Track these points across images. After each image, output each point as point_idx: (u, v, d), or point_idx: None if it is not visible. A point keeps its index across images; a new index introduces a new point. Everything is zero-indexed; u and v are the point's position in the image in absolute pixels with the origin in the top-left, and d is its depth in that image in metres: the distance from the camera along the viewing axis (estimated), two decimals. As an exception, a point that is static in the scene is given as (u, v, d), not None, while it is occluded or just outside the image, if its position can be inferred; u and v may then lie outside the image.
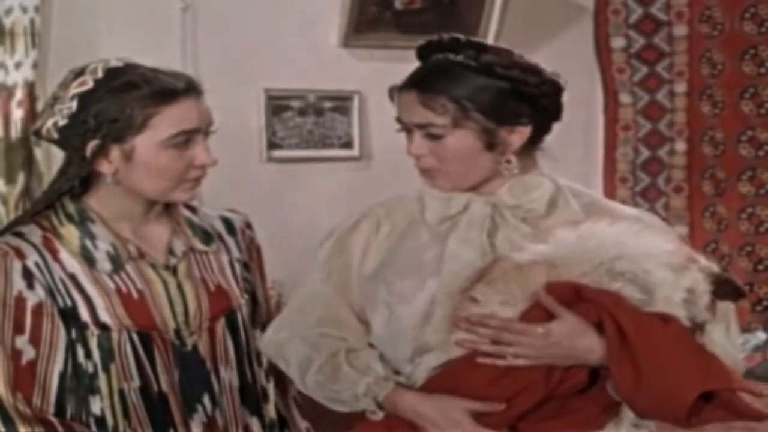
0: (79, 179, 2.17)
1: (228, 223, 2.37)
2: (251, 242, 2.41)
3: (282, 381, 2.40)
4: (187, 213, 2.31)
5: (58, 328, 2.13)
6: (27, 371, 2.10)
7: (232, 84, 3.52)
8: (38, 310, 2.12)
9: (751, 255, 4.10)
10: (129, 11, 3.46)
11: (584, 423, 2.08)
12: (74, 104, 2.14)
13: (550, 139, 2.27)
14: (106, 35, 3.38)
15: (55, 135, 2.17)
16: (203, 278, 2.26)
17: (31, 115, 3.17)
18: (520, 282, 2.07)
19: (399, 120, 2.22)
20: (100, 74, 2.15)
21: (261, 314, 2.40)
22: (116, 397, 2.15)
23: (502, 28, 3.90)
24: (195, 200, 2.29)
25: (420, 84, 2.17)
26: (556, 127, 2.26)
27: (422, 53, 2.24)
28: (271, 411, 2.35)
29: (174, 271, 2.23)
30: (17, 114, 3.24)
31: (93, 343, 2.14)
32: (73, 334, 2.14)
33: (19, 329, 2.11)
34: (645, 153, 4.25)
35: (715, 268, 2.11)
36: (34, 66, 3.26)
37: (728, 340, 2.14)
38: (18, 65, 3.26)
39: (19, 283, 2.12)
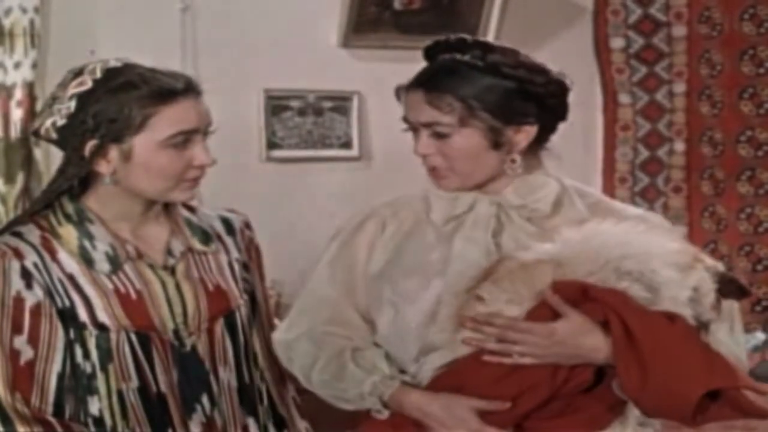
0: (78, 179, 2.17)
1: (227, 223, 2.37)
2: (250, 242, 2.40)
3: (282, 380, 2.40)
4: (186, 213, 2.31)
5: (56, 329, 2.12)
6: (25, 371, 2.10)
7: (232, 84, 3.53)
8: (37, 310, 2.12)
9: (750, 255, 4.10)
10: (129, 11, 3.46)
11: (589, 422, 2.08)
12: (73, 104, 2.13)
13: (552, 139, 2.28)
14: (106, 35, 3.38)
15: (54, 135, 2.17)
16: (202, 279, 2.26)
17: (31, 115, 3.18)
18: (526, 281, 2.08)
19: (405, 119, 2.23)
20: (98, 74, 2.15)
21: (260, 314, 2.40)
22: (114, 398, 2.15)
23: (502, 28, 3.91)
24: (194, 200, 2.29)
25: (427, 83, 2.18)
26: (558, 126, 2.27)
27: (429, 53, 2.25)
28: (264, 412, 2.35)
29: (172, 271, 2.23)
30: (16, 114, 3.25)
31: (91, 344, 2.14)
32: (72, 334, 2.13)
33: (17, 329, 2.10)
34: (644, 153, 4.25)
35: (720, 267, 2.13)
36: (34, 66, 3.27)
37: (732, 339, 2.15)
38: (17, 65, 3.26)
39: (17, 284, 2.11)
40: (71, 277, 2.14)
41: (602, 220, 2.14)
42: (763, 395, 2.06)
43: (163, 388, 2.18)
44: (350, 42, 3.80)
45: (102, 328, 2.14)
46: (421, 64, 2.26)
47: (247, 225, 2.42)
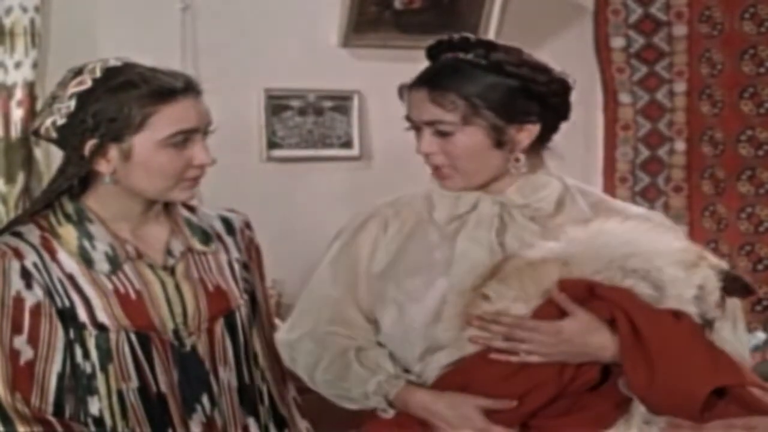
0: (78, 179, 2.17)
1: (227, 223, 2.37)
2: (250, 242, 2.40)
3: (282, 380, 2.40)
4: (185, 213, 2.31)
5: (56, 329, 2.12)
6: (25, 371, 2.10)
7: (232, 84, 3.53)
8: (36, 310, 2.11)
9: (751, 254, 4.11)
10: (129, 11, 3.46)
11: (595, 420, 2.09)
12: (73, 103, 2.13)
13: (554, 139, 2.28)
14: (106, 35, 3.39)
15: (54, 134, 2.17)
16: (202, 279, 2.26)
17: (31, 115, 3.18)
18: (533, 279, 2.08)
19: (408, 118, 2.23)
20: (98, 74, 2.14)
21: (261, 314, 2.40)
22: (114, 398, 2.15)
23: (502, 27, 3.91)
24: (195, 200, 2.29)
25: (430, 82, 2.18)
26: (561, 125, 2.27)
27: (431, 53, 2.26)
28: (265, 412, 2.35)
29: (172, 271, 2.23)
30: (17, 114, 3.25)
31: (91, 344, 2.14)
32: (72, 334, 2.13)
33: (17, 329, 2.10)
34: (645, 152, 4.25)
35: (725, 265, 2.13)
36: (34, 66, 3.27)
37: (735, 337, 2.16)
38: (18, 65, 3.26)
39: (17, 284, 2.11)
40: (71, 277, 2.14)
41: (607, 219, 2.16)
42: None
43: (163, 388, 2.17)
44: (350, 41, 3.80)
45: (102, 328, 2.14)
46: (422, 64, 2.26)
47: (247, 225, 2.41)
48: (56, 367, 2.12)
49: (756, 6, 4.06)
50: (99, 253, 2.16)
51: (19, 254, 2.13)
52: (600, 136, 4.28)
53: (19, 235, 2.16)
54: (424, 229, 2.27)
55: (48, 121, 2.16)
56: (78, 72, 2.16)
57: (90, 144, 2.12)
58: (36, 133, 2.22)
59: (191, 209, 2.33)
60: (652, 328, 2.01)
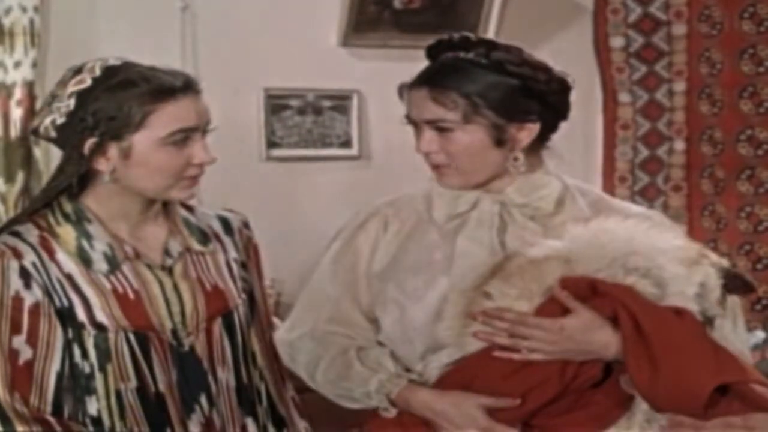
0: (77, 178, 2.17)
1: (225, 223, 2.37)
2: (249, 242, 2.40)
3: (281, 380, 2.40)
4: (184, 213, 2.31)
5: (55, 328, 2.12)
6: (24, 371, 2.09)
7: (232, 83, 3.54)
8: (35, 310, 2.11)
9: (750, 254, 4.11)
10: (129, 11, 3.47)
11: (597, 418, 2.09)
12: (72, 102, 2.13)
13: (553, 138, 2.28)
14: (106, 35, 3.39)
15: (53, 133, 2.16)
16: (200, 279, 2.25)
17: (31, 114, 3.18)
18: (536, 277, 2.09)
19: (408, 117, 2.23)
20: (98, 72, 2.14)
21: (259, 314, 2.40)
22: (113, 398, 2.14)
23: (502, 27, 3.91)
24: (194, 199, 2.29)
25: (431, 81, 2.19)
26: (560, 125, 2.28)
27: (431, 52, 2.26)
28: (263, 412, 2.35)
29: (170, 271, 2.22)
30: (16, 113, 3.25)
31: (89, 344, 2.13)
32: (70, 334, 2.13)
33: (16, 329, 2.10)
34: (644, 152, 4.25)
35: (725, 263, 2.15)
36: (34, 65, 3.27)
37: (736, 335, 2.17)
38: (17, 64, 3.27)
39: (16, 283, 2.11)
40: (69, 277, 2.14)
41: (608, 218, 2.16)
42: None
43: (162, 388, 2.17)
44: (350, 41, 3.80)
45: (100, 328, 2.14)
46: (422, 63, 2.26)
47: (245, 224, 2.41)
48: (55, 366, 2.12)
49: (755, 5, 4.06)
50: (97, 253, 2.16)
51: (17, 254, 2.12)
52: (599, 135, 4.28)
53: (17, 234, 2.16)
54: (424, 228, 2.27)
55: (47, 120, 2.16)
56: (77, 71, 2.16)
57: (89, 142, 2.12)
58: (35, 132, 2.22)
59: (189, 209, 2.33)
60: (654, 325, 2.02)
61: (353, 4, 3.73)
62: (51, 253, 2.14)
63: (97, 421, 2.14)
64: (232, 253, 2.34)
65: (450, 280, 2.19)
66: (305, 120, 3.79)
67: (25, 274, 2.11)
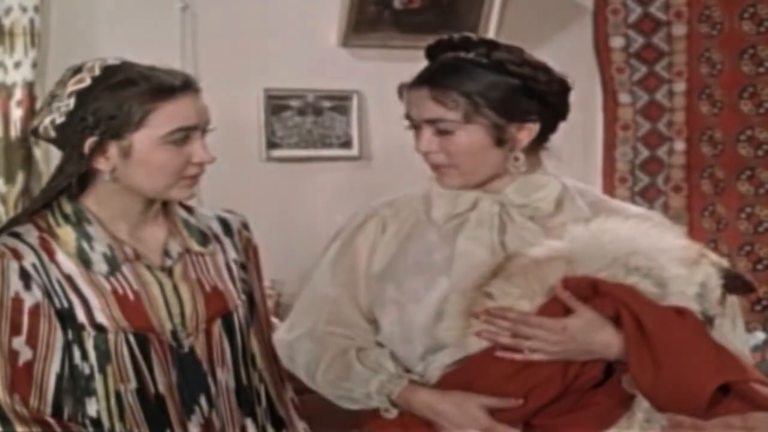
0: (77, 178, 2.17)
1: (225, 224, 2.37)
2: (248, 243, 2.40)
3: (280, 381, 2.40)
4: (183, 214, 2.31)
5: (55, 329, 2.12)
6: (24, 372, 2.09)
7: (232, 84, 3.53)
8: (35, 311, 2.11)
9: (750, 254, 4.11)
10: (129, 11, 3.46)
11: (598, 418, 2.10)
12: (72, 102, 2.13)
13: (552, 139, 2.28)
14: (106, 35, 3.39)
15: (53, 133, 2.16)
16: (199, 280, 2.25)
17: (31, 115, 3.18)
18: (538, 277, 2.10)
19: (408, 117, 2.23)
20: (97, 72, 2.14)
21: (258, 315, 2.40)
22: (113, 399, 2.14)
23: (501, 27, 3.91)
24: (194, 199, 2.29)
25: (431, 80, 2.19)
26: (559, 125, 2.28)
27: (431, 52, 2.26)
28: (262, 413, 2.35)
29: (170, 272, 2.22)
30: (16, 113, 3.25)
31: (89, 345, 2.13)
32: (70, 335, 2.13)
33: (16, 330, 2.10)
34: (644, 152, 4.25)
35: (725, 263, 2.16)
36: (34, 65, 3.27)
37: (735, 334, 2.18)
38: (17, 65, 3.26)
39: (16, 284, 2.11)
40: (69, 278, 2.14)
41: (608, 218, 2.17)
42: None
43: (162, 389, 2.17)
44: (350, 41, 3.80)
45: (100, 329, 2.13)
46: (422, 64, 2.27)
47: (245, 225, 2.41)
48: (55, 368, 2.11)
49: (755, 6, 4.06)
50: (97, 254, 2.16)
51: (17, 255, 2.12)
52: (599, 136, 4.28)
53: (17, 235, 2.16)
54: (422, 229, 2.27)
55: (47, 120, 2.16)
56: (77, 70, 2.16)
57: (90, 142, 2.12)
58: (35, 132, 2.21)
59: (189, 210, 2.33)
60: (657, 325, 2.03)
61: (353, 4, 3.73)
62: (51, 254, 2.14)
63: (96, 423, 2.13)
64: (232, 254, 2.34)
65: (450, 280, 2.19)
66: (305, 120, 3.79)
67: (25, 275, 2.11)
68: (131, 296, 2.16)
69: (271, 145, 3.74)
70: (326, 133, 3.82)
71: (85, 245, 2.16)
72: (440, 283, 2.20)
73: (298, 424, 2.42)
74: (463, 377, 2.12)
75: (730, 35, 4.09)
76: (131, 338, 2.15)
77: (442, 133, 2.18)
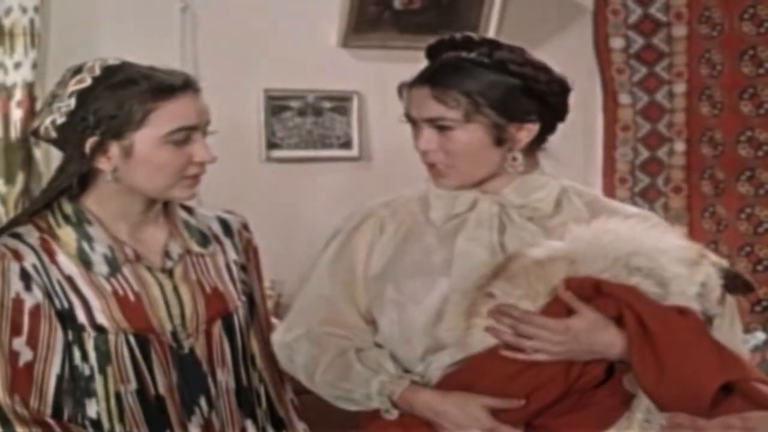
0: (78, 178, 2.17)
1: (225, 225, 2.37)
2: (248, 243, 2.40)
3: (280, 382, 2.40)
4: (183, 214, 2.31)
5: (55, 330, 2.12)
6: (24, 373, 2.09)
7: (232, 84, 3.53)
8: (36, 312, 2.11)
9: (750, 255, 4.11)
10: (129, 11, 3.46)
11: (598, 419, 2.10)
12: (73, 102, 2.14)
13: (551, 140, 2.29)
14: (106, 35, 3.39)
15: (54, 134, 2.16)
16: (199, 281, 2.26)
17: (31, 116, 3.18)
18: (541, 277, 2.10)
19: (408, 116, 2.23)
20: (98, 72, 2.15)
21: (258, 316, 2.40)
22: (112, 401, 2.14)
23: (502, 28, 3.91)
24: (194, 199, 2.29)
25: (432, 79, 2.19)
26: (557, 126, 2.28)
27: (431, 52, 2.26)
28: (262, 414, 2.34)
29: (170, 273, 2.23)
30: (16, 114, 3.25)
31: (90, 346, 2.14)
32: (70, 336, 2.13)
33: (16, 331, 2.10)
34: (644, 153, 4.25)
35: (725, 263, 2.16)
36: (34, 66, 3.27)
37: (733, 334, 2.17)
38: (17, 65, 3.26)
39: (16, 285, 2.11)
40: (70, 279, 2.14)
41: (608, 218, 2.17)
42: None
43: (162, 390, 2.17)
44: (350, 42, 3.80)
45: (100, 330, 2.14)
46: (422, 64, 2.27)
47: (245, 226, 2.41)
48: (55, 368, 2.12)
49: (755, 6, 4.06)
50: (98, 255, 2.16)
51: (18, 256, 2.13)
52: (599, 136, 4.27)
53: (18, 236, 2.16)
54: (420, 230, 2.27)
55: (48, 121, 2.16)
56: (77, 71, 2.16)
57: (91, 141, 2.12)
58: (35, 133, 2.22)
59: (189, 210, 2.34)
60: (659, 325, 2.03)
61: (353, 5, 3.73)
62: (51, 255, 2.14)
63: (96, 424, 2.14)
64: (232, 255, 2.34)
65: (450, 281, 2.19)
66: (305, 121, 3.78)
67: (25, 276, 2.11)
68: (132, 297, 2.16)
69: (271, 145, 3.73)
70: (326, 134, 3.82)
71: (85, 246, 2.16)
72: (440, 283, 2.20)
73: (297, 425, 2.43)
74: (464, 377, 2.12)
75: (730, 36, 4.09)
76: (131, 339, 2.15)
77: (442, 131, 2.18)
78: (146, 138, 2.13)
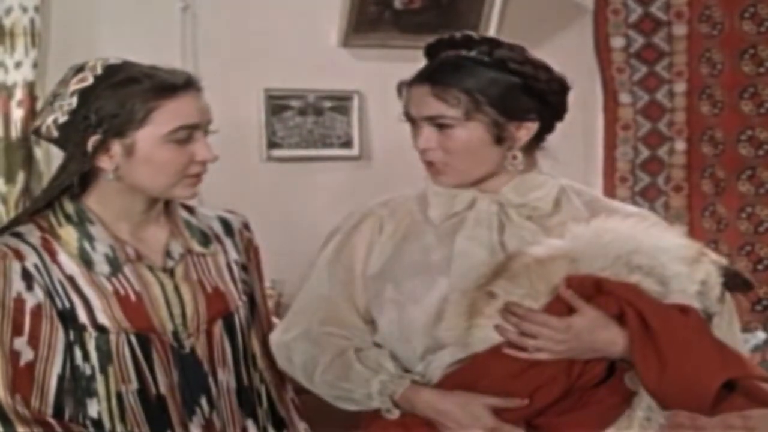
0: (79, 177, 2.17)
1: (226, 224, 2.37)
2: (249, 243, 2.40)
3: (281, 382, 2.40)
4: (184, 214, 2.31)
5: (56, 330, 2.12)
6: (25, 373, 2.09)
7: (232, 84, 3.53)
8: (37, 311, 2.11)
9: (751, 254, 4.11)
10: (129, 11, 3.46)
11: (598, 417, 2.10)
12: (75, 100, 2.14)
13: (550, 139, 2.29)
14: (106, 35, 3.39)
15: (55, 133, 2.16)
16: (200, 280, 2.26)
17: (31, 115, 3.18)
18: (542, 276, 2.10)
19: (407, 115, 2.23)
20: (99, 71, 2.15)
21: (259, 316, 2.40)
22: (114, 400, 2.14)
23: (502, 27, 3.91)
24: (194, 199, 2.29)
25: (432, 77, 2.19)
26: (557, 126, 2.28)
27: (430, 51, 2.26)
28: (263, 414, 2.34)
29: (171, 273, 2.23)
30: (17, 114, 3.25)
31: (91, 345, 2.14)
32: (71, 336, 2.13)
33: (17, 331, 2.10)
34: (645, 152, 4.25)
35: (724, 261, 2.17)
36: (34, 66, 3.27)
37: (731, 332, 2.17)
38: (18, 65, 3.26)
39: (18, 285, 2.11)
40: (71, 279, 2.14)
41: (608, 217, 2.17)
42: None
43: (163, 390, 2.17)
44: (350, 41, 3.80)
45: (102, 329, 2.14)
46: (422, 63, 2.27)
47: (246, 226, 2.41)
48: (56, 368, 2.12)
49: (756, 5, 4.06)
50: (99, 254, 2.16)
51: (19, 255, 2.13)
52: (600, 136, 4.27)
53: (19, 236, 2.16)
54: (419, 230, 2.27)
55: (49, 119, 2.16)
56: (79, 69, 2.16)
57: (93, 140, 2.12)
58: (37, 132, 2.22)
59: (190, 210, 2.34)
60: (661, 323, 2.03)
61: (353, 5, 3.73)
62: (53, 255, 2.14)
63: (97, 423, 2.14)
64: (233, 255, 2.34)
65: (450, 280, 2.19)
66: (306, 120, 3.78)
67: (27, 276, 2.11)
68: (133, 297, 2.16)
69: (272, 145, 3.73)
70: (327, 133, 3.82)
71: (86, 246, 2.16)
72: (439, 283, 2.19)
73: (298, 425, 2.43)
74: (466, 376, 2.12)
75: (730, 35, 4.09)
76: (133, 339, 2.15)
77: (442, 130, 2.18)
78: (148, 136, 2.13)
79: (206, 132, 2.20)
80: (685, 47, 4.17)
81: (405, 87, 2.25)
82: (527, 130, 2.21)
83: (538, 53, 2.26)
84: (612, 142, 4.27)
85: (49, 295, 2.12)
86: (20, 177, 3.25)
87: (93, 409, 2.14)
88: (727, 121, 4.11)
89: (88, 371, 2.14)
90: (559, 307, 2.07)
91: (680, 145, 4.20)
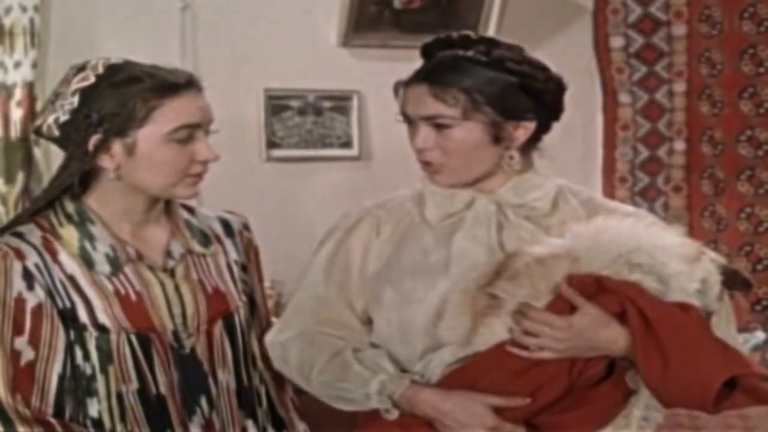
0: (80, 176, 2.17)
1: (226, 225, 2.37)
2: (249, 244, 2.40)
3: (280, 382, 2.40)
4: (185, 214, 2.31)
5: (57, 330, 2.12)
6: (26, 372, 2.09)
7: (232, 83, 3.53)
8: (38, 311, 2.11)
9: (750, 255, 4.11)
10: (129, 11, 3.46)
11: (597, 416, 2.10)
12: (76, 99, 2.14)
13: (549, 139, 2.29)
14: (106, 35, 3.39)
15: (56, 132, 2.16)
16: (201, 281, 2.26)
17: (31, 115, 3.18)
18: (543, 275, 2.10)
19: (404, 114, 2.23)
20: (101, 70, 2.15)
21: (259, 316, 2.40)
22: (114, 400, 2.14)
23: (501, 27, 3.91)
24: (194, 199, 2.29)
25: (430, 77, 2.19)
26: (556, 126, 2.29)
27: (427, 51, 2.26)
28: (263, 414, 2.34)
29: (172, 273, 2.23)
30: (16, 114, 3.25)
31: (91, 345, 2.14)
32: (72, 335, 2.13)
33: (18, 330, 2.10)
34: (644, 153, 4.25)
35: (723, 260, 2.17)
36: (34, 65, 3.27)
37: (729, 331, 2.18)
38: (17, 65, 3.26)
39: (19, 284, 2.11)
40: (72, 279, 2.14)
41: (608, 216, 2.18)
42: None
43: (163, 390, 2.17)
44: (350, 41, 3.80)
45: (102, 329, 2.14)
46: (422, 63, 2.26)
47: (246, 226, 2.41)
48: (57, 368, 2.12)
49: (755, 5, 4.06)
50: (100, 254, 2.16)
51: (20, 255, 2.13)
52: (599, 136, 4.27)
53: (20, 235, 2.16)
54: (416, 230, 2.26)
55: (50, 119, 2.16)
56: (81, 68, 2.16)
57: (94, 139, 2.12)
58: (38, 131, 2.21)
59: (190, 210, 2.34)
60: (663, 320, 2.03)
61: (353, 4, 3.73)
62: (54, 255, 2.14)
63: (97, 423, 2.14)
64: (233, 255, 2.34)
65: (449, 280, 2.18)
66: (305, 120, 3.78)
67: (28, 276, 2.11)
68: (133, 297, 2.16)
69: (271, 145, 3.73)
70: (326, 133, 3.82)
71: (87, 245, 2.16)
72: (439, 283, 2.19)
73: (298, 425, 2.43)
74: (466, 376, 2.12)
75: (730, 35, 4.09)
76: (133, 339, 2.15)
77: (440, 128, 2.18)
78: (149, 135, 2.13)
79: (207, 131, 2.20)
80: (684, 47, 4.17)
81: (402, 87, 2.24)
82: (525, 129, 2.21)
83: (538, 53, 2.26)
84: (611, 143, 4.27)
85: (50, 294, 2.12)
86: (20, 177, 3.25)
87: (93, 408, 2.14)
88: (726, 122, 4.11)
89: (88, 371, 2.14)
90: (561, 305, 2.07)
91: (680, 146, 4.20)
